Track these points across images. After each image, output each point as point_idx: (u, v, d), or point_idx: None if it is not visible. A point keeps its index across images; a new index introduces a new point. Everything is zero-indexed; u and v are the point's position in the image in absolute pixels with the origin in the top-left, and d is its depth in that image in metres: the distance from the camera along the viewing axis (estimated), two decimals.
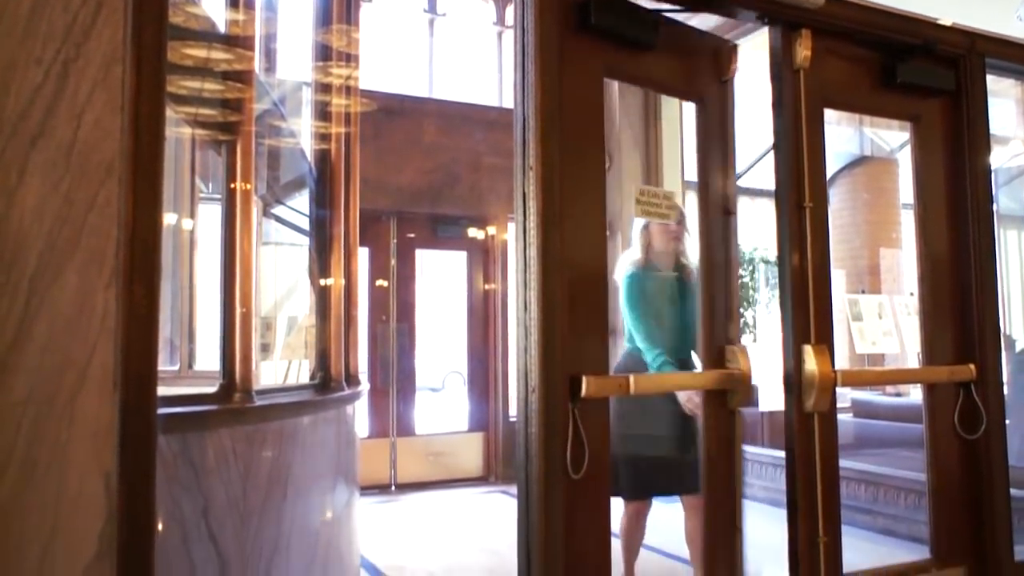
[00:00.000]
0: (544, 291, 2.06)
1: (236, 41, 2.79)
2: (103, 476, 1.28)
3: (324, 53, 3.65)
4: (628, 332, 3.41)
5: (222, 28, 2.97)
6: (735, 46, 2.69)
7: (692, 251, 3.42)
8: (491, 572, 4.21)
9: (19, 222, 1.25)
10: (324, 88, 3.67)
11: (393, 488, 6.53)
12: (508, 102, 7.31)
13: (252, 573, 2.21)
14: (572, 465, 2.03)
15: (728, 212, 2.66)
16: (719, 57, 2.64)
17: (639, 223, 3.51)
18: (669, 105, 7.15)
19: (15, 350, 1.23)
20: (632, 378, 2.30)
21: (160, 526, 1.91)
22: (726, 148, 2.67)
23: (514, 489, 2.08)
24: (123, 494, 1.31)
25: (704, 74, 2.62)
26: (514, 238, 2.17)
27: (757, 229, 9.64)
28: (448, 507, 5.92)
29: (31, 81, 1.29)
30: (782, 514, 2.68)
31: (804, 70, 2.64)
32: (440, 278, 8.55)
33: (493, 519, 5.49)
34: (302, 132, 3.99)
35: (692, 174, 8.35)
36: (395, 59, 7.44)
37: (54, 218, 1.28)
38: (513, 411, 6.74)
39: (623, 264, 3.48)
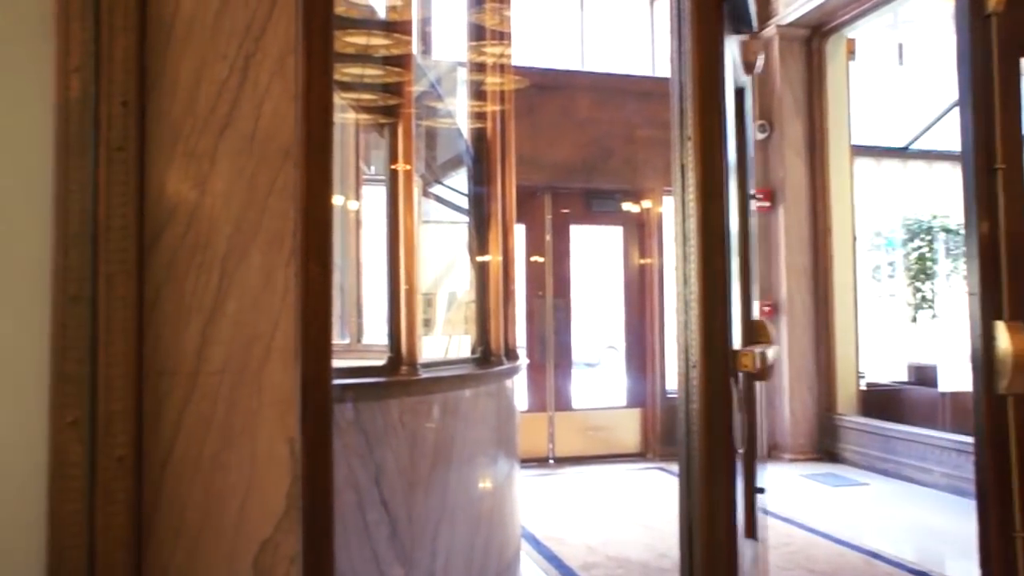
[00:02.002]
0: (705, 264, 2.00)
1: (394, 26, 2.89)
2: (288, 441, 1.38)
3: (478, 33, 3.70)
4: None
5: (382, 14, 3.08)
6: None
7: None
8: (649, 547, 4.19)
9: (211, 207, 1.37)
10: (478, 67, 3.73)
11: (551, 462, 6.63)
12: (662, 71, 7.13)
13: (421, 538, 2.32)
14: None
15: None
16: None
17: None
18: (835, 67, 6.72)
19: (212, 324, 1.34)
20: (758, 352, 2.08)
21: (338, 489, 2.05)
22: None
23: (672, 466, 2.05)
24: (306, 458, 1.41)
25: None
26: (671, 211, 2.11)
27: (935, 195, 8.88)
28: (606, 482, 5.95)
29: (218, 76, 1.39)
30: (967, 504, 2.48)
31: (997, 15, 2.38)
32: (595, 253, 8.53)
33: (651, 495, 5.46)
34: (458, 112, 4.08)
35: (859, 138, 7.75)
36: (546, 33, 7.44)
37: (240, 202, 1.38)
38: (672, 386, 6.65)
39: None
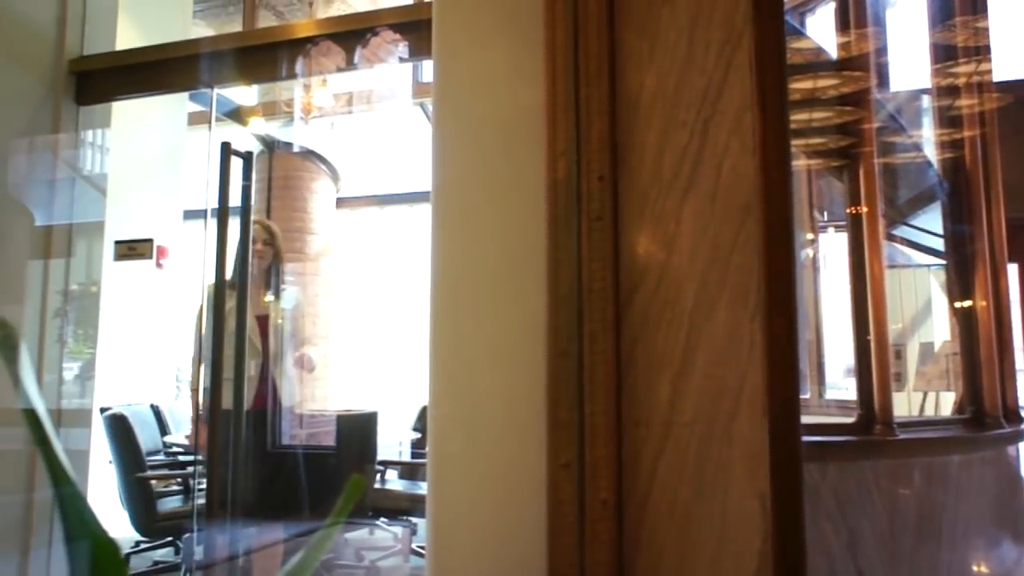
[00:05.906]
0: None
1: (846, 64, 2.76)
2: (758, 497, 1.36)
3: (945, 53, 3.35)
4: None
5: (832, 53, 2.96)
6: None
7: None
8: None
9: (678, 266, 1.44)
10: (947, 91, 3.36)
11: None
12: None
13: None
14: None
15: None
16: None
17: None
18: None
19: (681, 377, 1.40)
20: None
21: (808, 553, 1.95)
22: None
23: None
24: (776, 516, 1.37)
25: None
26: None
27: None
28: None
29: (679, 142, 1.48)
30: None
31: None
32: None
33: None
34: (925, 143, 3.71)
35: None
36: None
37: (705, 259, 1.43)
38: None
39: None
